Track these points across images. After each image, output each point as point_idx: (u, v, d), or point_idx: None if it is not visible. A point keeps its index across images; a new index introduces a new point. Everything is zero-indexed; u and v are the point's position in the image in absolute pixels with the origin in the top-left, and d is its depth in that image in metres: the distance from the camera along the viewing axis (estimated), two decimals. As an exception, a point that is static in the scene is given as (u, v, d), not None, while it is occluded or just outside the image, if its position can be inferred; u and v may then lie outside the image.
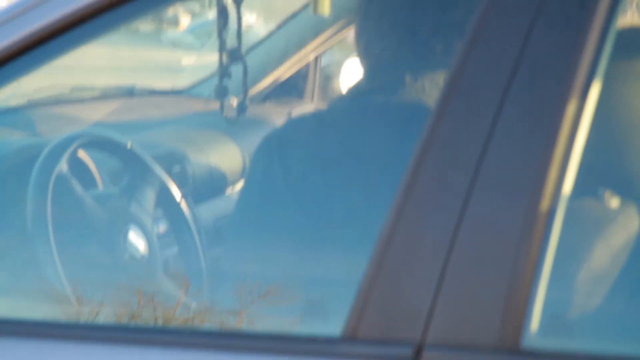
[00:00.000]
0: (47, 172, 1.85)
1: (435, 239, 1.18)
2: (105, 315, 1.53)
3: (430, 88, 1.70)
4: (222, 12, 2.12)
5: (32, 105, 2.32)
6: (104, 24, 1.50)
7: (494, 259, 1.14)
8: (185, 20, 11.42)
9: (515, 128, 1.16)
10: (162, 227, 2.13)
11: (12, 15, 1.51)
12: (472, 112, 1.19)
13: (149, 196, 2.05)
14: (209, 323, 1.53)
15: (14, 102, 2.26)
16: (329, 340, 1.23)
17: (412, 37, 1.74)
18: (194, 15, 11.27)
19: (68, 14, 1.47)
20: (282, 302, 1.53)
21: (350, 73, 1.84)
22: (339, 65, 3.00)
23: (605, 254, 1.33)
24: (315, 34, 2.60)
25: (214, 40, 2.18)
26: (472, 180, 1.17)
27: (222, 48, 2.11)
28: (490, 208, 1.16)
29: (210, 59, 2.95)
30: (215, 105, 2.50)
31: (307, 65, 2.79)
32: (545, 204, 1.14)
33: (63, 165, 1.89)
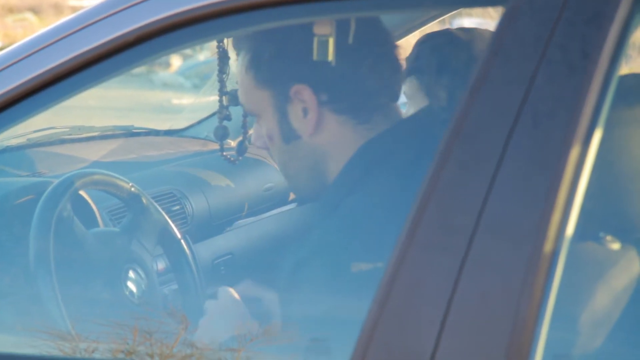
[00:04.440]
0: (49, 211, 1.87)
1: (438, 281, 1.19)
2: (102, 352, 1.53)
3: (434, 131, 1.73)
4: (222, 55, 2.14)
5: (33, 145, 2.34)
6: (105, 70, 1.52)
7: (498, 300, 1.16)
8: (176, 62, 11.47)
9: (518, 173, 1.18)
10: (161, 265, 2.15)
11: (15, 61, 1.53)
12: (476, 157, 1.21)
13: (149, 235, 2.07)
14: (207, 361, 1.54)
15: (14, 142, 2.28)
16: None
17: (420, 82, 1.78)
18: (184, 57, 11.32)
19: (70, 59, 1.50)
20: (282, 341, 1.54)
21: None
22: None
23: (607, 296, 1.35)
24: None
25: (212, 82, 2.20)
26: (476, 224, 1.19)
27: (221, 90, 2.13)
28: (493, 251, 1.18)
29: (206, 100, 2.97)
30: (214, 146, 2.52)
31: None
32: (548, 247, 1.15)
33: (65, 205, 1.90)
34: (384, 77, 1.75)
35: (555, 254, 1.16)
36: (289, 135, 1.77)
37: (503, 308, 1.16)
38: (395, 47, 1.78)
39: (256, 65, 1.76)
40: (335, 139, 1.74)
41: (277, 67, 1.75)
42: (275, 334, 1.57)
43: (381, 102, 1.75)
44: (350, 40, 1.67)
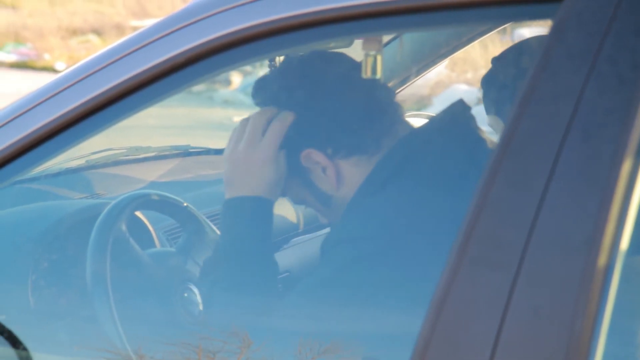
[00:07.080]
0: (105, 232, 1.88)
1: (491, 297, 1.18)
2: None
3: (484, 146, 1.72)
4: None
5: (90, 167, 2.36)
6: (164, 88, 1.53)
7: (551, 316, 1.15)
8: (236, 80, 11.53)
9: (569, 187, 1.17)
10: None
11: (75, 81, 1.55)
12: (526, 172, 1.20)
13: (205, 254, 2.07)
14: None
15: (72, 164, 2.31)
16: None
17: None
18: (245, 74, 11.38)
19: (129, 78, 1.51)
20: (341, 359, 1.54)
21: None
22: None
23: None
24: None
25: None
26: (528, 239, 1.18)
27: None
28: (546, 266, 1.16)
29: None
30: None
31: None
32: (601, 261, 1.14)
33: (121, 225, 1.92)
34: (369, 101, 1.77)
35: (609, 268, 1.15)
36: (322, 199, 1.81)
37: (557, 324, 1.15)
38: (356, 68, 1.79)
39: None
40: (358, 180, 1.76)
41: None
42: (336, 353, 1.57)
43: (379, 127, 1.77)
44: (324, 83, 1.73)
